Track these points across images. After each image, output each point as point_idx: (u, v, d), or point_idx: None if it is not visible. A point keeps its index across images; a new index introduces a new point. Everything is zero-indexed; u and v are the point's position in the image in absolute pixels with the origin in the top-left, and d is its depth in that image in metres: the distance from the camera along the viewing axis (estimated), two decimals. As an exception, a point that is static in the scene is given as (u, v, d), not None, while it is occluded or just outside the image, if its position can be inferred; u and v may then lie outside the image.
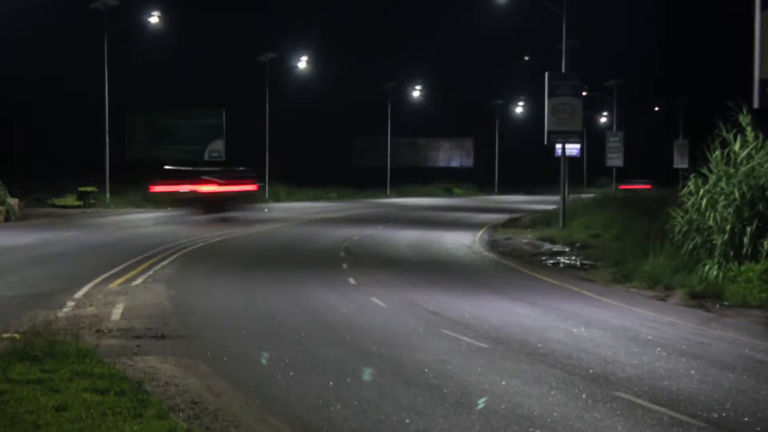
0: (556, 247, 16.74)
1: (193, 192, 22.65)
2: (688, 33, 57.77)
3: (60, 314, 7.55)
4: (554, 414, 4.47)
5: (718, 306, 9.15)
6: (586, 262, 14.09)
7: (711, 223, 10.86)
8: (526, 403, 4.67)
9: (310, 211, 29.84)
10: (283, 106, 42.48)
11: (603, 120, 52.18)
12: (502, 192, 50.93)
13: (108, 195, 29.72)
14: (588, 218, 20.39)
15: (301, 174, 41.61)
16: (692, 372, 5.64)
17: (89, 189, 29.15)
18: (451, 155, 58.41)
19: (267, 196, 37.30)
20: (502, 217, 26.91)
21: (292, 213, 28.63)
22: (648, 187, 38.47)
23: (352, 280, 11.12)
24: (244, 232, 19.70)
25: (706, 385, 5.28)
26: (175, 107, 40.17)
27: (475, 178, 53.67)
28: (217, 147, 37.56)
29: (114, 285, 9.86)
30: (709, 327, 7.92)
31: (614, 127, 42.94)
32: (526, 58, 36.49)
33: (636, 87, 50.00)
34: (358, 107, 56.06)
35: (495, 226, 22.73)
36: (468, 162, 58.13)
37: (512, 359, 6.11)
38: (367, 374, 5.48)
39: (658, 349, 6.62)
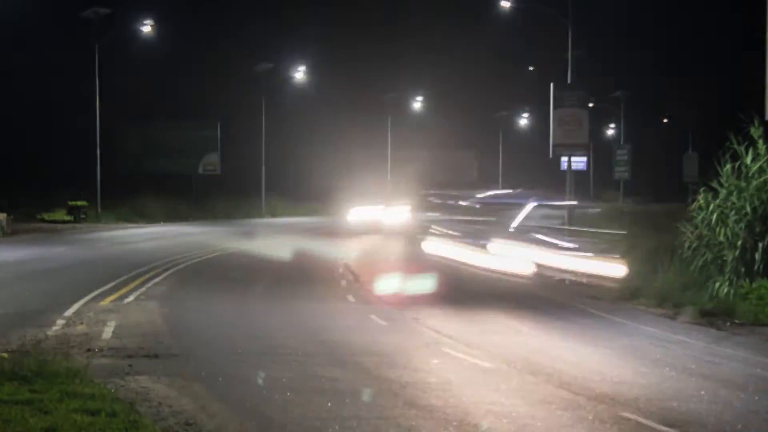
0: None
1: None
2: (697, 44, 58.53)
3: (49, 332, 7.60)
4: None
5: (729, 324, 9.20)
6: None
7: (721, 238, 10.93)
8: (531, 425, 4.71)
9: (312, 225, 30.22)
10: (280, 119, 43.06)
11: (610, 132, 52.61)
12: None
13: (99, 209, 29.94)
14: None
15: (300, 188, 42.11)
16: (702, 392, 5.68)
17: (79, 203, 29.32)
18: (457, 168, 59.03)
19: (264, 210, 37.67)
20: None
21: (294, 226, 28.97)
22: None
23: (351, 297, 11.24)
24: (248, 245, 19.76)
25: (717, 405, 5.32)
26: (168, 118, 40.58)
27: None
28: (212, 160, 37.86)
29: (105, 302, 9.92)
30: (720, 346, 7.97)
31: (621, 139, 43.30)
32: (531, 68, 37.09)
33: (644, 98, 50.59)
34: (359, 119, 56.84)
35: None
36: (472, 175, 58.72)
37: (516, 379, 6.15)
38: (367, 395, 5.53)
39: (666, 368, 6.66)
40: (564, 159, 23.14)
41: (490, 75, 60.35)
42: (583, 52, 26.18)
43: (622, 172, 37.96)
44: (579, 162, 30.33)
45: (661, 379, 6.20)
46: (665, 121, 51.93)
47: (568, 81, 20.89)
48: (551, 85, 20.41)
